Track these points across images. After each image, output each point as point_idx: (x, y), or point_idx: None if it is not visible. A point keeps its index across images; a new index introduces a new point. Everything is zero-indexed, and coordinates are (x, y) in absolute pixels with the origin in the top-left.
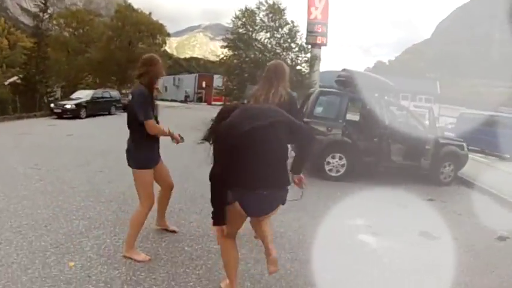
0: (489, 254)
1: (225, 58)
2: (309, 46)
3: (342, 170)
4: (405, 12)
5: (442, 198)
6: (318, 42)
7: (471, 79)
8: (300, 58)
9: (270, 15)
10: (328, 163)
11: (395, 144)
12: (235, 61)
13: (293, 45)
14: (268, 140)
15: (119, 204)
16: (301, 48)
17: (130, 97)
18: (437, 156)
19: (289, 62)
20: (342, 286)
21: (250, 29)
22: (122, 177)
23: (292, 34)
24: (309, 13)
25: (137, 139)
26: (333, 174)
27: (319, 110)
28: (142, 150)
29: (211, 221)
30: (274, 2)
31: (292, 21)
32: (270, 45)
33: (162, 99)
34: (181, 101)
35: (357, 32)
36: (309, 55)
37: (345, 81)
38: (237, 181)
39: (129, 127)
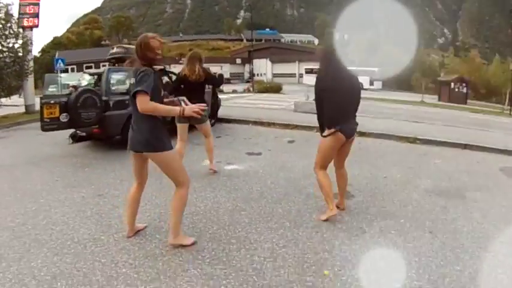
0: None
1: None
2: (21, 30)
3: None
4: None
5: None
6: (30, 24)
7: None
8: (17, 44)
9: None
10: None
11: None
12: None
13: (10, 31)
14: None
15: None
16: (17, 34)
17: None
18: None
19: (6, 51)
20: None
21: None
22: None
23: (7, 18)
24: None
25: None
26: None
27: (113, 87)
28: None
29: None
30: None
31: (8, 5)
32: None
33: None
34: None
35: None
36: (20, 41)
37: (122, 58)
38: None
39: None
